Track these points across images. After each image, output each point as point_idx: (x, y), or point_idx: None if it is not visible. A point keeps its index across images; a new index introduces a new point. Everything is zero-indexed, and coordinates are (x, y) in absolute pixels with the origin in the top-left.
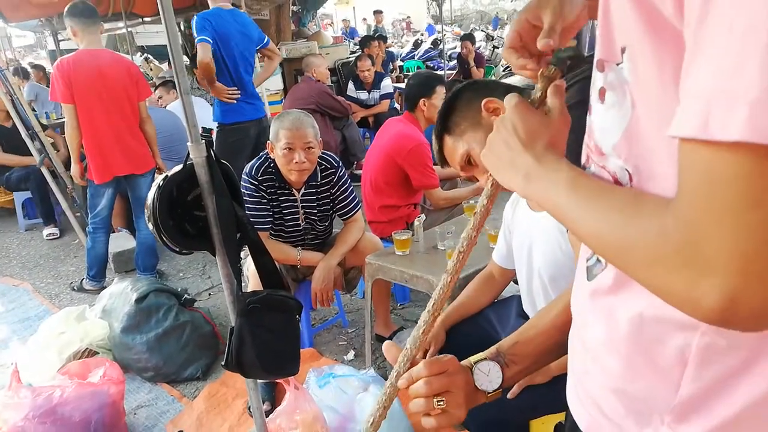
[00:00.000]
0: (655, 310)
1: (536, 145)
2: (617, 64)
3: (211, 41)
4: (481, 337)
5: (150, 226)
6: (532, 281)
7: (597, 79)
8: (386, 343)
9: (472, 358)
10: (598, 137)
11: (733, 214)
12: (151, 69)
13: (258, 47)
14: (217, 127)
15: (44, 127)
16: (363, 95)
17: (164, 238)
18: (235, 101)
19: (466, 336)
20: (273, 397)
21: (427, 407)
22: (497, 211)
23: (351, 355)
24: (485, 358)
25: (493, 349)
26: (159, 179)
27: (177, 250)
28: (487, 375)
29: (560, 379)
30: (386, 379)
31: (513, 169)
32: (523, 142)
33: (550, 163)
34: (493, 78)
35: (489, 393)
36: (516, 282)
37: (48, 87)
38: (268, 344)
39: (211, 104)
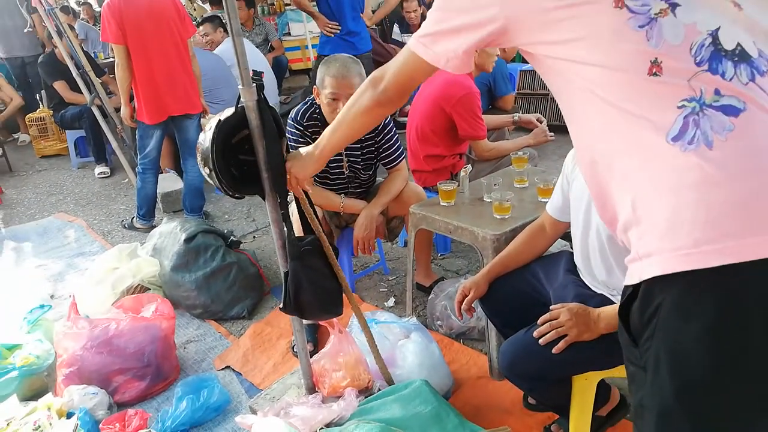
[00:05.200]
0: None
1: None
2: None
3: None
4: (525, 291)
5: (206, 171)
6: (588, 236)
7: None
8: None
9: None
10: None
11: None
12: (194, 9)
13: None
14: (316, 59)
15: (102, 72)
16: (409, 39)
17: (222, 184)
18: (332, 35)
19: (509, 289)
20: (316, 339)
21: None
22: (545, 163)
23: (391, 301)
24: None
25: None
26: (212, 123)
27: (231, 193)
28: None
29: (606, 338)
30: (427, 327)
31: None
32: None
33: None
34: None
35: None
36: (564, 238)
37: (95, 26)
38: (322, 285)
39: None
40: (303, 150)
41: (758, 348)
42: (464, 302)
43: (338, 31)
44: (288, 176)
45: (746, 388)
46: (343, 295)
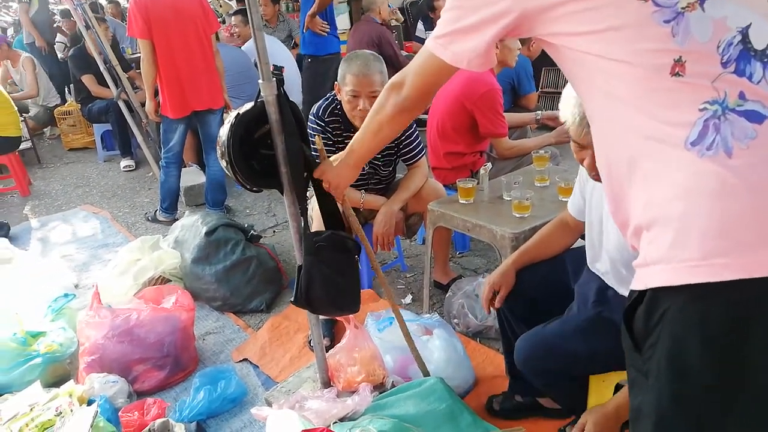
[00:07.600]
0: (617, 155)
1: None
2: None
3: None
4: (553, 281)
5: (223, 163)
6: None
7: None
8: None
9: None
10: None
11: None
12: (220, 6)
13: None
14: (308, 59)
15: (129, 66)
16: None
17: (237, 176)
18: (326, 34)
19: (537, 278)
20: (332, 334)
21: None
22: (567, 162)
23: (409, 299)
24: None
25: None
26: (231, 116)
27: (248, 187)
28: None
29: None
30: None
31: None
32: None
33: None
34: None
35: None
36: (583, 238)
37: (123, 23)
38: (334, 281)
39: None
40: (335, 157)
41: (758, 365)
42: (497, 299)
43: (329, 29)
44: (325, 185)
45: (744, 404)
46: (360, 291)
